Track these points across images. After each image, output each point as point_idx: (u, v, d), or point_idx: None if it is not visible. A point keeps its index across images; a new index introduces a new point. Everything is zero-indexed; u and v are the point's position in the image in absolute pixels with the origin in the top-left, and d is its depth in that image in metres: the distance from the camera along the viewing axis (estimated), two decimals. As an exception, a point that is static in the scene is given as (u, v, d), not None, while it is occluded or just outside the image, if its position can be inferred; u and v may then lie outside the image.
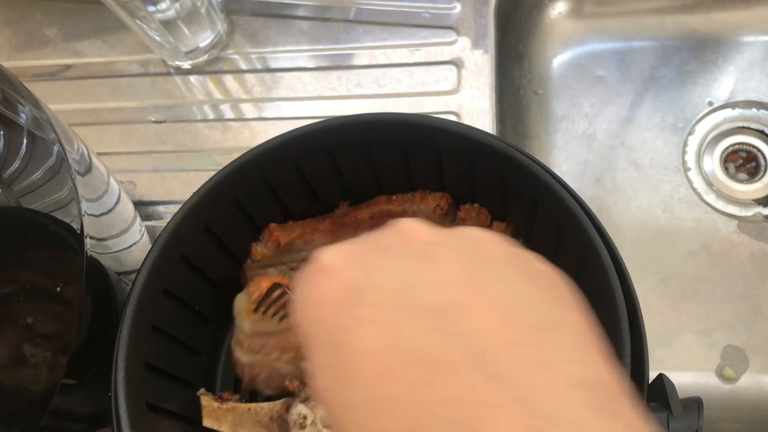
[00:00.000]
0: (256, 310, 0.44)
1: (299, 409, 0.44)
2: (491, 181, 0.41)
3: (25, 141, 0.38)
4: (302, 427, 0.43)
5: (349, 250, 0.25)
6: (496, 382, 0.19)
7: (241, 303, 0.45)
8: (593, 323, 0.22)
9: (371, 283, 0.23)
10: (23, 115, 0.38)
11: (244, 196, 0.43)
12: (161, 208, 0.55)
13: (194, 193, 0.41)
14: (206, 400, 0.44)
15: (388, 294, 0.22)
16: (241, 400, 0.45)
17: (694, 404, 0.33)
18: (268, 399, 0.45)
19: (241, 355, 0.45)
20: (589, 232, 0.36)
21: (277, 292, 0.43)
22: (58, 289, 0.38)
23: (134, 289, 0.38)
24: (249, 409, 0.44)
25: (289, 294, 0.43)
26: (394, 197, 0.47)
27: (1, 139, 0.36)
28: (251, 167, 0.42)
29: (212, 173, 0.42)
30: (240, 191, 0.42)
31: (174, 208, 0.55)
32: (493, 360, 0.20)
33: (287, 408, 0.44)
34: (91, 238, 0.41)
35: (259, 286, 0.43)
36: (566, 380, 0.19)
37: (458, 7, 0.58)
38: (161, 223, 0.54)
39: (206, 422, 0.43)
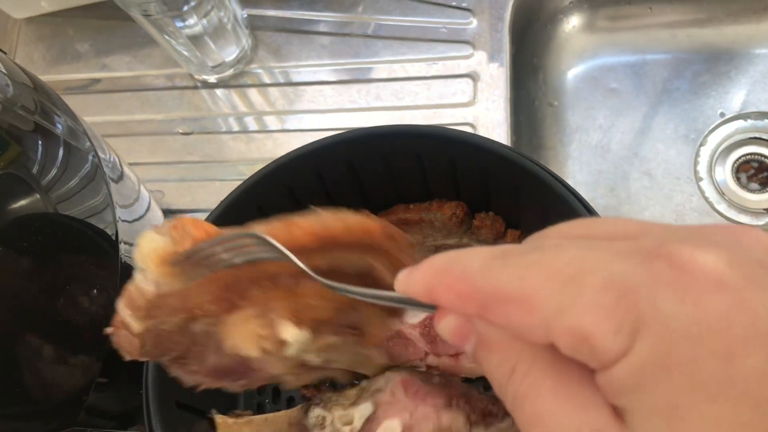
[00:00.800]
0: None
1: (317, 411, 0.45)
2: (505, 191, 0.43)
3: (61, 150, 0.40)
4: (322, 427, 0.44)
5: (737, 257, 0.18)
6: None
7: (154, 247, 0.29)
8: None
9: None
10: (59, 126, 0.41)
11: (268, 205, 0.45)
12: (188, 217, 0.57)
13: (221, 203, 0.43)
14: (220, 419, 0.44)
15: None
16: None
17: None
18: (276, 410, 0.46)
19: (133, 322, 0.31)
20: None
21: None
22: (95, 291, 0.40)
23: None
24: (266, 419, 0.44)
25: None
26: (411, 206, 0.49)
27: (40, 148, 0.38)
28: (275, 177, 0.44)
29: (237, 183, 0.44)
30: (265, 200, 0.44)
31: (200, 216, 0.57)
32: None
33: (305, 412, 0.45)
34: (125, 243, 0.43)
35: (190, 232, 0.30)
36: None
37: (474, 22, 0.60)
38: (188, 231, 0.56)
39: None
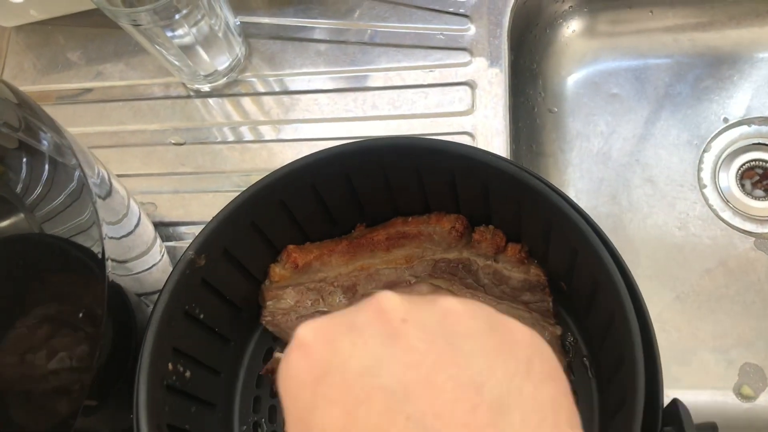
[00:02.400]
0: None
1: None
2: (506, 204, 0.42)
3: (47, 167, 0.39)
4: None
5: (325, 326, 0.25)
6: None
7: None
8: (570, 395, 0.23)
9: (339, 362, 0.23)
10: (45, 142, 0.39)
11: (262, 220, 0.44)
12: (181, 229, 0.56)
13: (213, 218, 0.42)
14: None
15: (353, 374, 0.22)
16: None
17: (710, 429, 0.33)
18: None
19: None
20: (603, 257, 0.36)
21: None
22: (81, 314, 0.39)
23: (155, 311, 0.39)
24: None
25: None
26: (410, 219, 0.48)
27: (24, 166, 0.37)
28: (269, 192, 0.43)
29: (231, 194, 0.42)
30: (258, 215, 0.43)
31: (194, 229, 0.56)
32: None
33: None
34: (112, 260, 0.42)
35: None
36: None
37: (472, 28, 0.59)
38: (181, 244, 0.55)
39: None
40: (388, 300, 0.25)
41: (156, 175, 0.58)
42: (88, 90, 0.62)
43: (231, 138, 0.59)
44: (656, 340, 0.35)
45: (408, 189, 0.45)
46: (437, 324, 0.23)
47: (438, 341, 0.23)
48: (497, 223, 0.46)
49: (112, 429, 0.45)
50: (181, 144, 0.59)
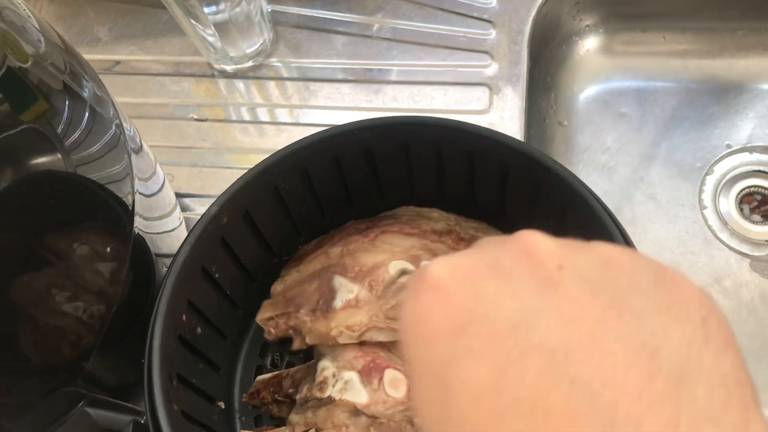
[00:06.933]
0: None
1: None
2: (523, 188, 0.43)
3: (87, 114, 0.40)
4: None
5: (462, 265, 0.22)
6: None
7: None
8: (745, 366, 0.19)
9: (485, 311, 0.20)
10: (86, 90, 0.41)
11: (285, 186, 0.45)
12: (197, 201, 0.57)
13: (240, 178, 0.43)
14: None
15: (503, 326, 0.19)
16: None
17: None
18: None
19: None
20: (615, 239, 0.38)
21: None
22: (105, 259, 0.40)
23: (176, 261, 0.40)
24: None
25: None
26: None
27: (66, 108, 0.38)
28: (294, 159, 0.44)
29: (249, 171, 0.44)
30: (282, 181, 0.44)
31: (209, 202, 0.57)
32: (624, 417, 0.17)
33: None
34: (139, 216, 0.43)
35: None
36: None
37: (494, 33, 0.61)
38: (195, 215, 0.56)
39: None
40: (539, 241, 0.22)
41: (176, 148, 0.59)
42: (116, 62, 0.64)
43: (252, 119, 0.60)
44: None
45: (427, 170, 0.46)
46: (599, 274, 0.20)
47: (602, 294, 0.20)
48: (510, 211, 0.47)
49: (117, 381, 0.46)
50: (203, 120, 0.60)
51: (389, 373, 0.42)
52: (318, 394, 0.42)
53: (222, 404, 0.46)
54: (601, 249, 0.22)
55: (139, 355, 0.39)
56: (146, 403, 0.37)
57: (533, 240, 0.22)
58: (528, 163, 0.41)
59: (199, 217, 0.42)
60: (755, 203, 0.67)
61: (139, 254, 0.44)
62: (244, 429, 0.47)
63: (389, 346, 0.44)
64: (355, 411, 0.41)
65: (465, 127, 0.42)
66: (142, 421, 0.38)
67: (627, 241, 0.39)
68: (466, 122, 0.42)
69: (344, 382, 0.42)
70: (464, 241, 0.47)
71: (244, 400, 0.48)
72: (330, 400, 0.41)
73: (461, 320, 0.20)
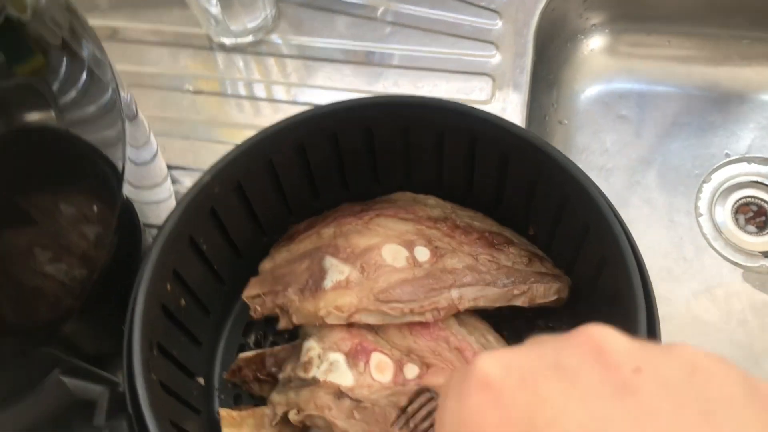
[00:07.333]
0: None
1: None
2: (523, 174, 0.42)
3: (84, 75, 0.38)
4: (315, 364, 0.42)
5: (518, 362, 0.19)
6: None
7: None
8: None
9: (550, 418, 0.17)
10: (86, 51, 0.39)
11: (279, 161, 0.44)
12: (187, 174, 0.56)
13: (234, 149, 0.42)
14: (225, 412, 0.43)
15: None
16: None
17: None
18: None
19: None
20: (615, 230, 0.37)
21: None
22: (91, 221, 0.39)
23: (164, 228, 0.39)
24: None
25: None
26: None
27: (64, 66, 0.37)
28: (290, 133, 0.43)
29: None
30: (276, 154, 0.43)
31: (200, 175, 0.56)
32: None
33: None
34: (128, 183, 0.42)
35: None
36: None
37: (500, 24, 0.60)
38: (185, 188, 0.55)
39: None
40: (610, 337, 0.19)
41: (169, 119, 0.58)
42: (114, 30, 0.62)
43: (248, 94, 0.59)
44: (659, 318, 0.36)
45: (426, 154, 0.45)
46: (684, 381, 0.18)
47: (689, 406, 0.17)
48: (509, 198, 0.46)
49: (94, 349, 0.44)
50: (198, 92, 0.59)
51: (376, 357, 0.41)
52: (302, 374, 0.41)
53: (201, 380, 0.45)
54: (683, 351, 0.19)
55: (120, 324, 0.38)
56: (124, 370, 0.36)
57: (603, 336, 0.19)
58: (530, 152, 0.40)
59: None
60: (751, 214, 0.66)
61: (127, 221, 0.43)
62: (222, 407, 0.45)
63: (377, 330, 0.43)
64: (339, 393, 0.40)
65: (470, 112, 0.41)
66: (120, 389, 0.37)
67: (627, 235, 0.38)
68: (471, 107, 0.41)
69: (329, 364, 0.41)
70: (459, 229, 0.46)
71: (225, 377, 0.46)
72: (314, 381, 0.40)
73: (520, 428, 0.18)
